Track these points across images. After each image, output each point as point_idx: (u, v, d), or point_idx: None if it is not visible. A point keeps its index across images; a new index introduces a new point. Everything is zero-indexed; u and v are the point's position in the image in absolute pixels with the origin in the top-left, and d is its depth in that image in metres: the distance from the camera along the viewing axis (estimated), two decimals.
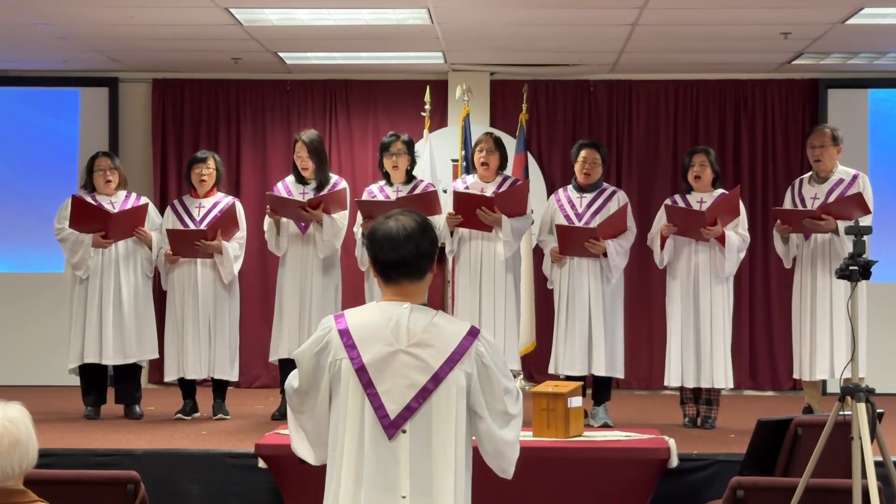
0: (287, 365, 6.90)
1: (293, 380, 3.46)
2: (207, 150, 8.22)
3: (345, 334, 3.33)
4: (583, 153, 7.63)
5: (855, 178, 7.49)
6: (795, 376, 7.73)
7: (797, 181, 7.73)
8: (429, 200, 7.48)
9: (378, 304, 3.39)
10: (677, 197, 7.71)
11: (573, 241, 7.46)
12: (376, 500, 3.24)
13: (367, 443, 3.26)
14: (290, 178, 7.87)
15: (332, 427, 3.34)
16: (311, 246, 7.68)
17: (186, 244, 7.72)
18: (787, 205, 7.62)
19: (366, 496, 3.24)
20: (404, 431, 3.26)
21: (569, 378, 7.31)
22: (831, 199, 7.40)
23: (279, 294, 7.81)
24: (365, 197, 7.70)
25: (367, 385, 3.28)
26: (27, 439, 3.31)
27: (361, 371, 3.29)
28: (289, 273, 7.74)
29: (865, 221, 7.13)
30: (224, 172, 8.15)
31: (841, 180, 7.49)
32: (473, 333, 3.36)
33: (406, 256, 3.33)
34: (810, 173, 7.66)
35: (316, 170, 7.73)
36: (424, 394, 3.27)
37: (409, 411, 3.26)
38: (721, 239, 7.42)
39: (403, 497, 3.24)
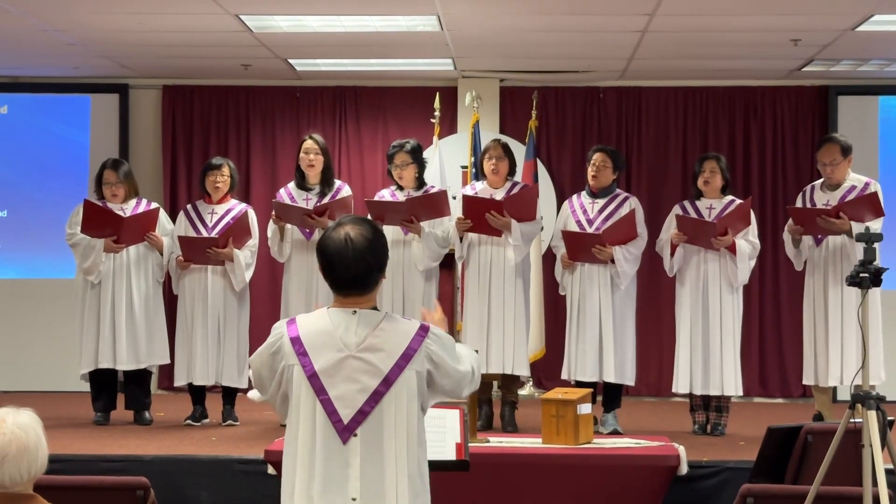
0: None
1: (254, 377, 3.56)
2: (222, 157, 8.21)
3: (296, 342, 3.39)
4: (595, 156, 7.65)
5: (867, 185, 7.49)
6: (805, 382, 7.72)
7: (809, 187, 7.72)
8: (438, 201, 7.49)
9: (328, 310, 3.43)
10: (686, 203, 7.70)
11: (580, 246, 7.46)
12: (328, 503, 3.27)
13: (320, 447, 3.30)
14: (292, 185, 7.87)
15: (288, 430, 3.40)
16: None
17: (198, 251, 7.73)
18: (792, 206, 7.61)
19: (318, 498, 3.28)
20: (356, 435, 3.31)
21: (580, 384, 7.32)
22: None
23: (285, 301, 7.81)
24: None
25: (320, 391, 3.33)
26: (36, 445, 3.31)
27: (313, 378, 3.34)
28: (294, 279, 7.75)
29: (877, 225, 7.13)
30: (238, 179, 8.15)
31: (853, 187, 7.49)
32: (423, 331, 3.40)
33: (356, 275, 3.39)
34: (822, 180, 7.64)
35: (323, 170, 7.74)
36: (376, 397, 3.32)
37: (361, 415, 3.31)
38: (731, 248, 7.41)
39: (354, 499, 3.28)
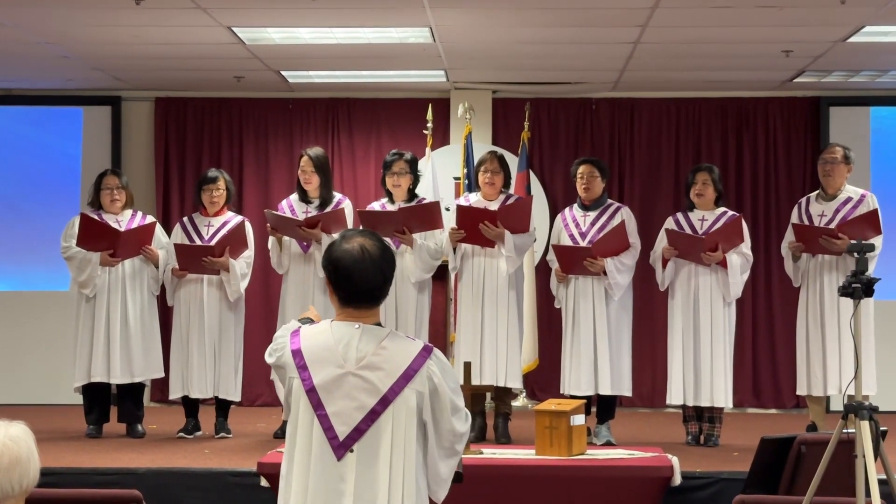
0: None
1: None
2: (217, 169, 8.12)
3: (297, 355, 3.36)
4: (581, 168, 7.67)
5: (863, 197, 7.51)
6: (799, 392, 7.72)
7: (804, 199, 7.72)
8: (431, 212, 7.48)
9: (331, 323, 3.39)
10: (679, 215, 7.71)
11: (572, 260, 7.47)
12: None
13: (314, 461, 3.29)
14: (294, 197, 7.87)
15: (287, 443, 3.38)
16: (313, 265, 7.67)
17: (194, 260, 7.71)
18: (796, 222, 7.61)
19: None
20: (352, 451, 3.28)
21: (574, 397, 7.30)
22: (839, 216, 7.42)
23: (282, 312, 7.80)
24: None
25: (317, 406, 3.30)
26: (28, 458, 3.30)
27: (311, 392, 3.31)
28: (291, 292, 7.75)
29: (877, 242, 7.14)
30: (234, 191, 8.13)
31: (849, 199, 7.51)
32: (426, 352, 3.36)
33: (374, 286, 3.36)
34: (817, 191, 7.66)
35: (320, 185, 7.75)
36: (373, 416, 3.29)
37: (357, 433, 3.28)
38: (723, 263, 7.42)
39: None
